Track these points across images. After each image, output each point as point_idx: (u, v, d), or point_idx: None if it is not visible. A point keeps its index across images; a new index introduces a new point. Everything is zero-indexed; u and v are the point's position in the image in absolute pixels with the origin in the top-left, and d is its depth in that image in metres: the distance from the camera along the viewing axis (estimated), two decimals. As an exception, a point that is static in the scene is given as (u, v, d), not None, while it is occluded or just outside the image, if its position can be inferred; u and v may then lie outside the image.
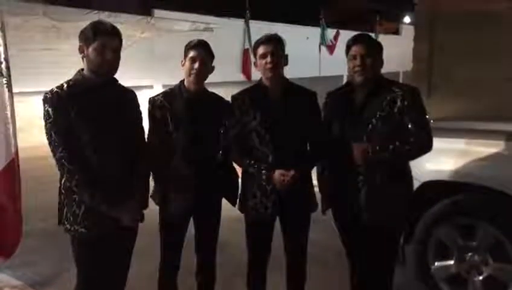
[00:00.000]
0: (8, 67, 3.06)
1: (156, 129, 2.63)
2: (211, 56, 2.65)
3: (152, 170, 2.62)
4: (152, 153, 2.63)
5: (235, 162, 2.73)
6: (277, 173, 2.51)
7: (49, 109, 2.22)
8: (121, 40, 2.34)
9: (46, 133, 2.25)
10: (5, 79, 3.04)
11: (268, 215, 2.63)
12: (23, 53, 7.30)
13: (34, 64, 7.60)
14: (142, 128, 2.53)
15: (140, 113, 2.52)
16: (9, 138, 3.08)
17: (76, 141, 2.24)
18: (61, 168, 2.24)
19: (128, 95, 2.50)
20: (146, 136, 2.60)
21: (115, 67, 2.34)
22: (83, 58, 2.31)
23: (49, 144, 2.25)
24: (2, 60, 3.03)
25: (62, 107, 2.22)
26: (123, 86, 2.48)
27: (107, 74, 2.34)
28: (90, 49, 2.26)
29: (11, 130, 3.08)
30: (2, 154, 3.06)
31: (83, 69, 2.34)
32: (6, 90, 3.05)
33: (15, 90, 3.14)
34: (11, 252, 3.29)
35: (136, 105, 2.51)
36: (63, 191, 2.33)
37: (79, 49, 2.30)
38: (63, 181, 2.31)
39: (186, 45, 2.64)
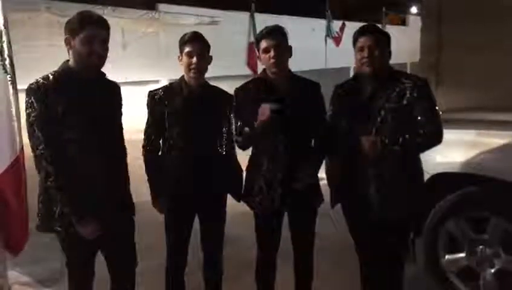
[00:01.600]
0: (12, 64, 3.04)
1: (153, 123, 2.61)
2: (207, 47, 2.59)
3: (147, 166, 2.59)
4: (149, 147, 2.61)
5: (244, 149, 2.67)
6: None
7: (34, 101, 2.12)
8: (108, 31, 2.26)
9: (28, 126, 2.15)
10: (9, 76, 3.02)
11: (276, 208, 2.60)
12: (27, 49, 7.30)
13: (38, 61, 7.58)
14: (121, 125, 2.46)
15: (121, 108, 2.46)
16: (14, 135, 3.06)
17: (59, 140, 2.16)
18: (40, 166, 2.15)
19: (114, 90, 2.44)
20: (144, 129, 2.59)
21: (103, 59, 2.24)
22: (68, 51, 2.23)
23: (29, 138, 2.16)
24: (6, 56, 3.01)
25: (49, 100, 2.13)
26: (108, 80, 2.41)
27: (96, 66, 2.25)
28: (77, 40, 2.16)
29: (16, 127, 3.06)
30: (7, 152, 3.05)
31: (68, 60, 2.25)
32: (10, 87, 3.03)
33: (19, 86, 3.12)
34: (19, 250, 3.29)
35: (120, 101, 2.46)
36: (41, 189, 2.25)
37: (65, 41, 2.21)
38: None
39: (180, 40, 2.58)
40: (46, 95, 2.13)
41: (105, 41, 2.23)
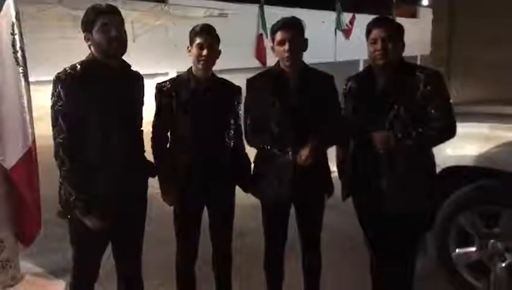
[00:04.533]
0: (24, 56, 3.07)
1: (161, 116, 2.62)
2: (218, 40, 2.59)
3: (156, 158, 2.61)
4: (157, 139, 2.63)
5: (251, 145, 2.67)
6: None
7: (61, 90, 2.15)
8: (121, 17, 2.28)
9: (52, 115, 2.18)
10: (21, 68, 3.05)
11: (284, 200, 2.60)
12: (38, 42, 7.33)
13: (50, 53, 7.61)
14: (141, 115, 2.50)
15: (143, 98, 2.50)
16: (26, 127, 3.09)
17: (81, 130, 2.19)
18: (57, 154, 2.19)
19: (138, 81, 2.48)
20: (152, 121, 2.61)
21: (122, 44, 2.26)
22: (90, 47, 2.26)
23: (53, 126, 2.19)
24: (18, 48, 3.03)
25: (75, 90, 2.16)
26: (134, 71, 2.45)
27: (117, 52, 2.26)
28: (94, 32, 2.20)
29: (27, 119, 3.09)
30: (19, 144, 3.08)
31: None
32: (22, 79, 3.06)
33: (31, 79, 3.14)
34: (31, 241, 3.34)
35: (143, 91, 2.49)
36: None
37: (84, 38, 2.24)
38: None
39: (191, 31, 2.57)
40: (74, 85, 2.16)
41: (120, 26, 2.25)
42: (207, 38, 2.52)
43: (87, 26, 2.22)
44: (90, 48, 2.26)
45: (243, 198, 2.78)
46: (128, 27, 2.31)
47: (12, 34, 3.01)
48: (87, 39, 2.25)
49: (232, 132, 2.68)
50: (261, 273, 2.84)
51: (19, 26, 3.03)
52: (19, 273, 3.41)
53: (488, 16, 5.19)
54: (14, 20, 3.00)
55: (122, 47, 2.27)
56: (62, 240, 3.78)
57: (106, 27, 2.19)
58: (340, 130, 2.62)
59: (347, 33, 15.68)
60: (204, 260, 2.84)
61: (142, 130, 2.51)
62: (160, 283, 3.22)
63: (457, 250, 3.05)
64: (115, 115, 2.26)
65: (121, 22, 2.26)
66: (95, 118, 2.21)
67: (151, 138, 2.65)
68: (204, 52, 2.51)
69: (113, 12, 2.24)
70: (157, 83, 2.65)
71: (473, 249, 2.99)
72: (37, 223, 3.27)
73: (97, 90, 2.21)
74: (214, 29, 2.58)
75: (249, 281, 3.25)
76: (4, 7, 3.00)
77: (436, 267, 3.16)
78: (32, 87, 3.14)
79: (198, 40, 2.53)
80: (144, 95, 2.50)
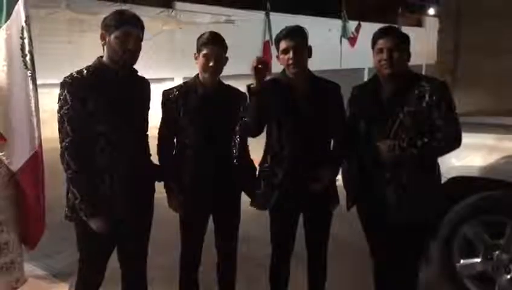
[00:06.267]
0: (32, 60, 3.07)
1: (167, 123, 2.62)
2: (225, 49, 2.58)
3: (161, 165, 2.62)
4: (163, 146, 2.64)
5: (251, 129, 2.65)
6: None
7: (67, 95, 2.18)
8: (143, 31, 2.31)
9: (59, 119, 2.20)
10: (30, 72, 3.06)
11: (287, 208, 2.61)
12: (46, 45, 7.38)
13: (57, 57, 7.66)
14: (147, 120, 2.52)
15: (149, 103, 2.52)
16: (33, 131, 3.10)
17: (87, 134, 2.22)
18: (62, 157, 2.22)
19: (145, 86, 2.50)
20: (158, 128, 2.62)
21: (135, 57, 2.30)
22: (103, 46, 2.28)
23: (59, 130, 2.22)
24: (27, 52, 3.05)
25: (82, 94, 2.18)
26: (140, 76, 2.47)
27: (128, 64, 2.31)
28: (112, 37, 2.22)
29: (35, 122, 3.10)
30: (26, 147, 3.09)
31: (102, 57, 2.31)
32: (30, 82, 3.07)
33: (38, 82, 3.15)
34: (35, 244, 3.33)
35: (149, 97, 2.52)
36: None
37: (100, 36, 2.27)
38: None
39: (198, 39, 2.56)
40: (80, 89, 2.19)
41: (139, 40, 2.29)
42: (214, 49, 2.52)
43: (108, 28, 2.24)
44: (103, 47, 2.29)
45: (247, 205, 2.78)
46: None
47: (22, 37, 3.02)
48: (102, 38, 2.27)
49: (238, 139, 2.69)
50: (265, 281, 2.83)
51: (29, 30, 3.05)
52: (23, 276, 3.41)
53: (495, 26, 5.19)
54: (23, 24, 3.02)
55: (134, 59, 2.31)
56: (66, 243, 3.81)
57: (124, 38, 2.22)
58: (346, 140, 2.63)
59: (352, 41, 15.69)
60: (208, 265, 2.84)
61: (148, 134, 2.53)
62: (163, 288, 3.22)
63: (461, 261, 3.04)
64: (120, 120, 2.28)
65: (140, 34, 2.30)
66: (101, 122, 2.23)
67: (157, 144, 2.66)
68: (211, 63, 2.51)
69: (135, 24, 2.27)
70: (164, 90, 2.65)
71: (478, 260, 2.97)
72: (41, 226, 3.27)
73: (103, 95, 2.23)
74: (222, 39, 2.57)
75: (253, 288, 3.25)
76: (14, 11, 3.02)
77: (440, 277, 3.14)
78: (38, 90, 3.15)
79: (205, 51, 2.51)
80: (150, 100, 2.52)
